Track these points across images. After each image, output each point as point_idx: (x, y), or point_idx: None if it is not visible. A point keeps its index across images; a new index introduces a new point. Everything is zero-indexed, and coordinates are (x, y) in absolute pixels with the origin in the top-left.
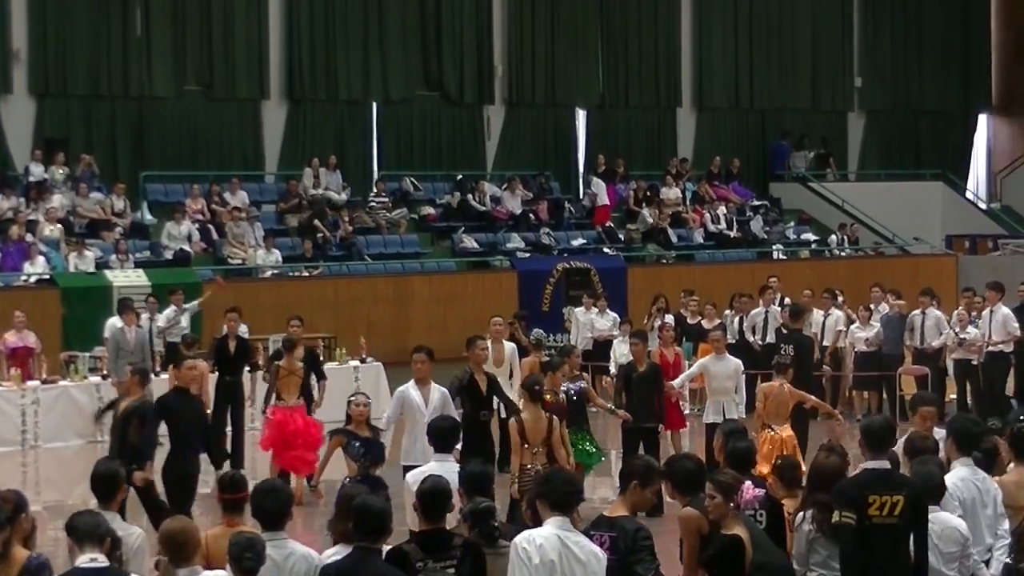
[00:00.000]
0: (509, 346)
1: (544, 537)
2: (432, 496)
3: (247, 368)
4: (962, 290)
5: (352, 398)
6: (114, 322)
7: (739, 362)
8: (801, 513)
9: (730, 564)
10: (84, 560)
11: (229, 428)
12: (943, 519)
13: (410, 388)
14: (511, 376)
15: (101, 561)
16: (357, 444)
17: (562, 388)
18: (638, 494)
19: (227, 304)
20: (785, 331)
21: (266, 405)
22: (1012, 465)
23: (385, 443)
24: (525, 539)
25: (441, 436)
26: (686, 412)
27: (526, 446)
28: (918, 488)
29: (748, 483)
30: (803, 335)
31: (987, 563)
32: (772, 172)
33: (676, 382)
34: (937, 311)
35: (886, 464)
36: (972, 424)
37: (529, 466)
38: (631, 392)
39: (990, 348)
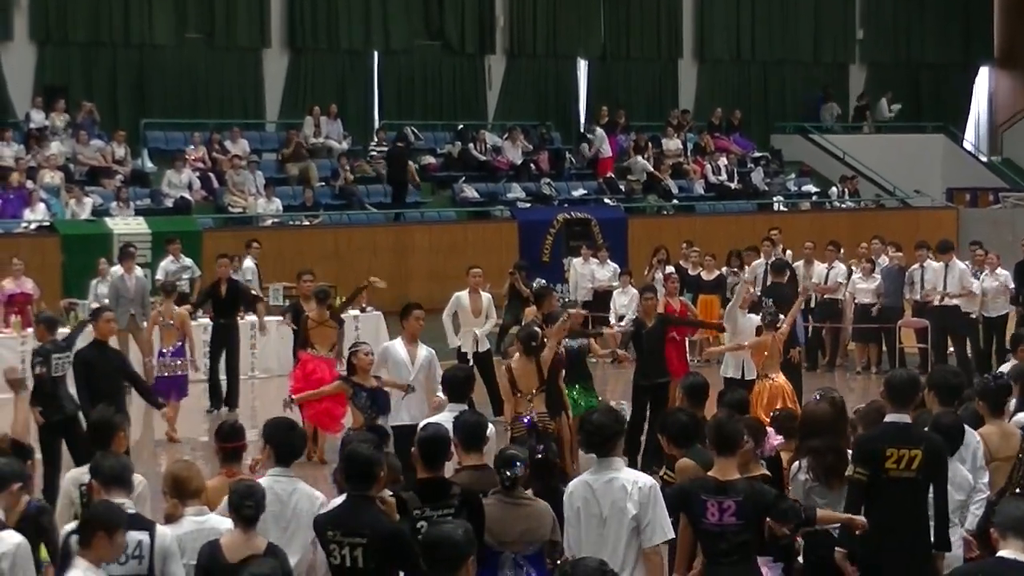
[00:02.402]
0: (486, 296)
1: (575, 485)
2: (431, 444)
3: (242, 312)
4: (969, 243)
5: (356, 348)
6: (115, 271)
7: None
8: (797, 463)
9: None
10: None
11: (223, 375)
12: (954, 468)
13: (396, 345)
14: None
15: (129, 507)
16: (364, 395)
17: (563, 345)
18: (749, 448)
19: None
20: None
21: (295, 358)
22: (987, 419)
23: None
24: (567, 488)
25: (456, 385)
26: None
27: (519, 394)
28: (937, 442)
29: (771, 430)
30: (785, 287)
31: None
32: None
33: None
34: (936, 263)
35: (906, 418)
36: (952, 376)
37: (525, 415)
38: (641, 348)
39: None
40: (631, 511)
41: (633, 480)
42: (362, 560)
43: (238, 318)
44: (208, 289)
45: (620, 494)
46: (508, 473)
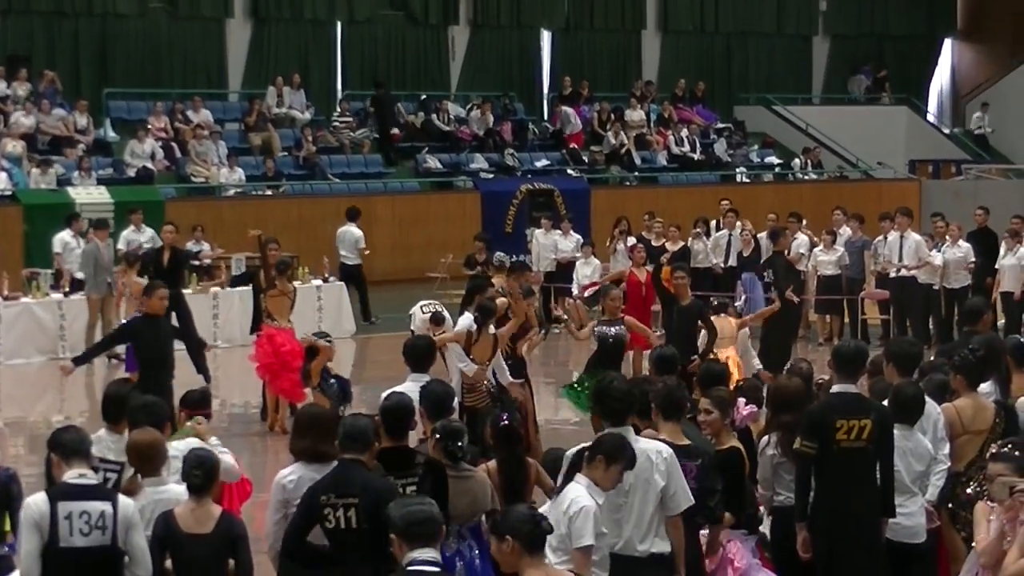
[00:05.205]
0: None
1: None
2: (394, 413)
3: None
4: (931, 215)
5: (327, 338)
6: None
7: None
8: (765, 437)
9: (730, 476)
10: (72, 475)
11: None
12: (915, 438)
13: None
14: None
15: (90, 477)
16: (332, 382)
17: (597, 331)
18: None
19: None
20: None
21: (255, 327)
22: (962, 392)
23: None
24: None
25: (416, 356)
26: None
27: (475, 362)
28: (885, 411)
29: (742, 400)
30: (782, 257)
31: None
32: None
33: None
34: (891, 235)
35: (853, 388)
36: (909, 346)
37: (479, 384)
38: (671, 327)
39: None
40: (660, 482)
41: (656, 450)
42: (355, 520)
43: (182, 288)
44: (151, 256)
45: (646, 464)
46: (460, 444)
